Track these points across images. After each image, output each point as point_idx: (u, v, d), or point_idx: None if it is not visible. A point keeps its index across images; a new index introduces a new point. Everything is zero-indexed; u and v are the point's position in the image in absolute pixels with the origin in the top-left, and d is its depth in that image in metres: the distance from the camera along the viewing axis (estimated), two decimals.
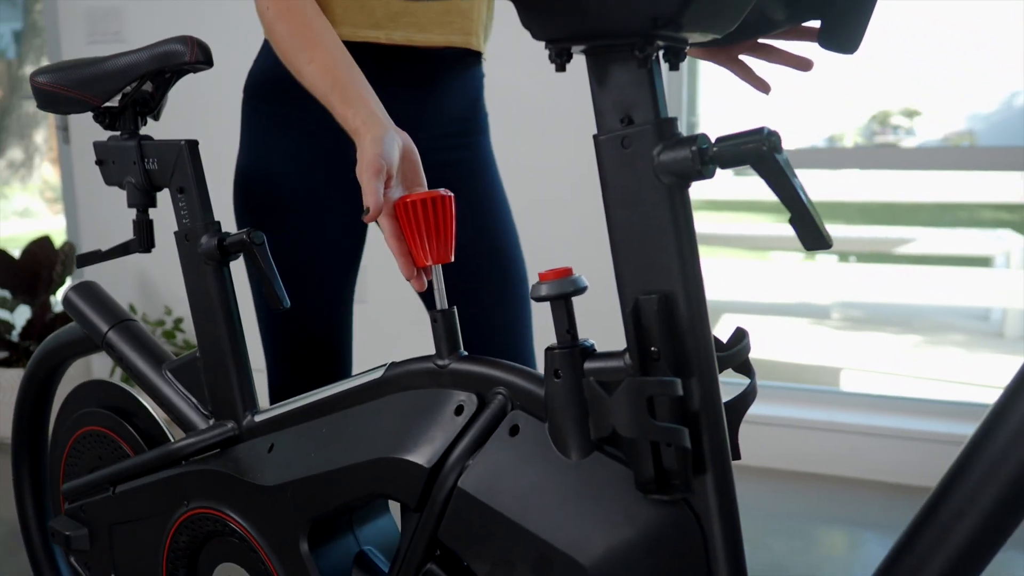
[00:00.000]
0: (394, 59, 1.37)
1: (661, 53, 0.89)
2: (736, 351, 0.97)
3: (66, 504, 1.56)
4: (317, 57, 1.20)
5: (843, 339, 5.64)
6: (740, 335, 1.00)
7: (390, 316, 3.12)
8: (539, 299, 0.96)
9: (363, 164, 1.06)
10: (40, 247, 3.25)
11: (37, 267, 3.22)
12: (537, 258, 2.61)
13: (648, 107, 0.87)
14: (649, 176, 0.87)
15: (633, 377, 0.88)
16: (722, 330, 5.18)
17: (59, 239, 3.58)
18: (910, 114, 9.30)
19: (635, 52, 0.84)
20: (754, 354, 4.11)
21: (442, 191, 1.07)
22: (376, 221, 1.07)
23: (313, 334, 1.48)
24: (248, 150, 1.46)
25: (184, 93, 3.38)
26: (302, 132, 1.41)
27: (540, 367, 2.11)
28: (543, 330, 1.58)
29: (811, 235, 0.81)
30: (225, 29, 3.01)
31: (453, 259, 1.11)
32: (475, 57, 1.47)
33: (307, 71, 1.21)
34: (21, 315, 3.45)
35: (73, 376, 3.53)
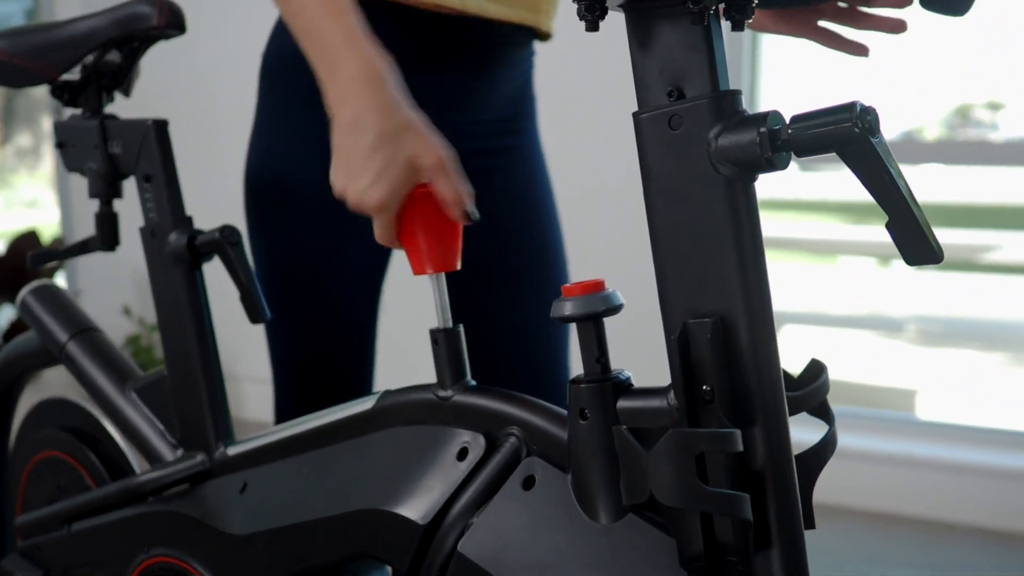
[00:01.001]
0: (455, 30, 1.29)
1: (722, 7, 0.79)
2: (812, 390, 0.86)
3: (20, 540, 1.49)
4: (304, 9, 1.08)
5: (919, 357, 5.53)
6: (817, 369, 0.89)
7: (412, 326, 3.03)
8: (562, 319, 0.86)
9: (443, 149, 1.00)
10: (27, 241, 3.22)
11: (23, 263, 3.18)
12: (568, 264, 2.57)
13: (704, 76, 0.76)
14: (704, 165, 0.77)
15: (678, 427, 0.77)
16: (784, 344, 5.10)
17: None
18: (994, 107, 9.19)
19: (688, 4, 0.74)
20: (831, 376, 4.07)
21: None
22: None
23: (331, 350, 1.42)
24: (263, 136, 1.40)
25: (192, 75, 3.32)
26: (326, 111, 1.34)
27: None
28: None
29: (916, 246, 0.71)
30: (240, 2, 2.93)
31: (463, 265, 1.03)
32: (533, 36, 1.41)
33: (294, 26, 1.10)
34: (4, 316, 3.43)
35: (52, 385, 3.49)
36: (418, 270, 0.98)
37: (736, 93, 0.77)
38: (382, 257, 1.43)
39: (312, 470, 1.08)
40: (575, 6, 0.80)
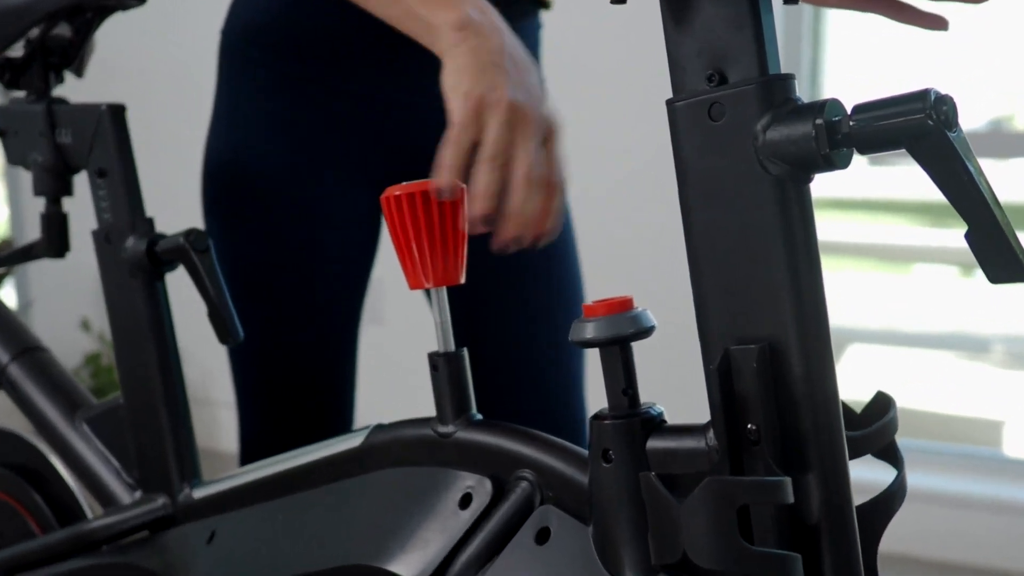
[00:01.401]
0: None
1: None
2: (877, 429, 0.85)
3: None
4: None
5: (1008, 383, 5.51)
6: (883, 404, 0.88)
7: (413, 342, 3.04)
8: (582, 343, 0.85)
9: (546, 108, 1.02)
10: None
11: None
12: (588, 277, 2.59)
13: (750, 58, 0.76)
14: (750, 162, 0.76)
15: (717, 473, 0.77)
16: (848, 366, 5.06)
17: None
18: None
19: None
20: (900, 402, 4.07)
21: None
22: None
23: (303, 375, 1.43)
24: (223, 120, 1.41)
25: (154, 52, 3.33)
26: (301, 94, 1.36)
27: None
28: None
29: (1000, 259, 0.70)
30: None
31: (465, 278, 1.01)
32: (536, 4, 1.42)
33: None
34: None
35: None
36: (415, 284, 0.97)
37: (788, 78, 0.76)
38: (365, 260, 1.44)
39: (290, 517, 1.08)
40: None
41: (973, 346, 6.22)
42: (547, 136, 1.02)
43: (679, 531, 0.77)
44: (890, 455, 0.87)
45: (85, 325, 3.60)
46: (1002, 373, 5.77)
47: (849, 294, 6.60)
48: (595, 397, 1.19)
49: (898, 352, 6.01)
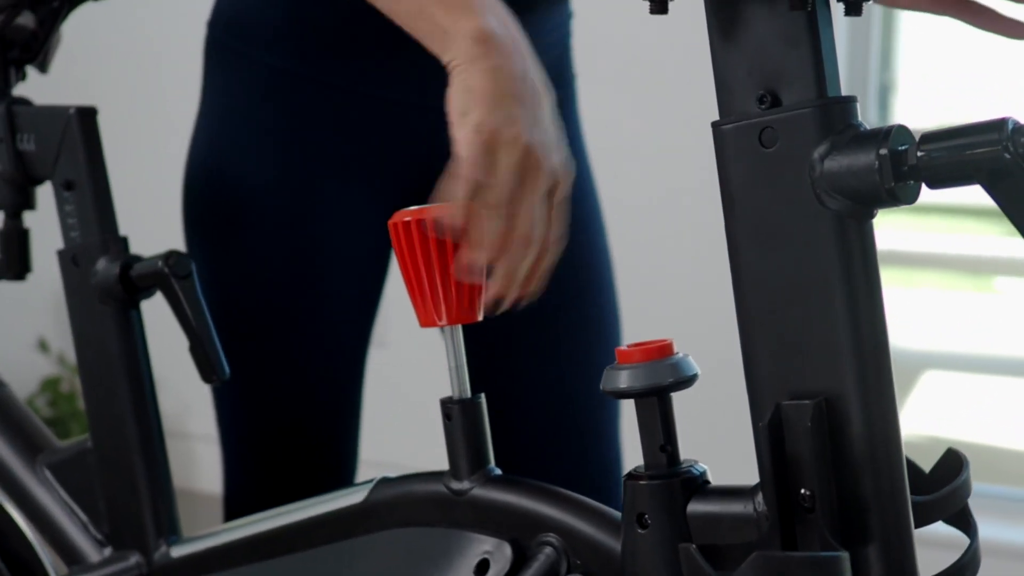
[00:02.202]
0: None
1: None
2: (948, 493, 0.88)
3: None
4: None
5: None
6: (955, 463, 0.91)
7: (421, 368, 3.07)
8: (616, 394, 0.89)
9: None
10: None
11: None
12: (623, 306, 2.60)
13: (807, 78, 0.79)
14: (805, 195, 0.79)
15: (767, 546, 0.79)
16: (921, 397, 5.06)
17: None
18: None
19: None
20: (966, 435, 4.04)
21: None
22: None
23: (299, 419, 1.45)
24: (208, 124, 1.43)
25: (129, 47, 3.35)
26: (299, 94, 1.37)
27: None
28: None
29: None
30: None
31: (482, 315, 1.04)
32: None
33: None
34: None
35: None
36: (426, 321, 1.00)
37: (849, 101, 0.79)
38: (373, 285, 1.45)
39: None
40: None
41: None
42: (553, 187, 1.03)
43: None
44: (962, 522, 0.90)
45: (43, 346, 3.62)
46: None
47: (923, 313, 6.59)
48: (632, 451, 1.21)
49: (978, 380, 5.99)
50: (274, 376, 1.43)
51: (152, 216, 2.01)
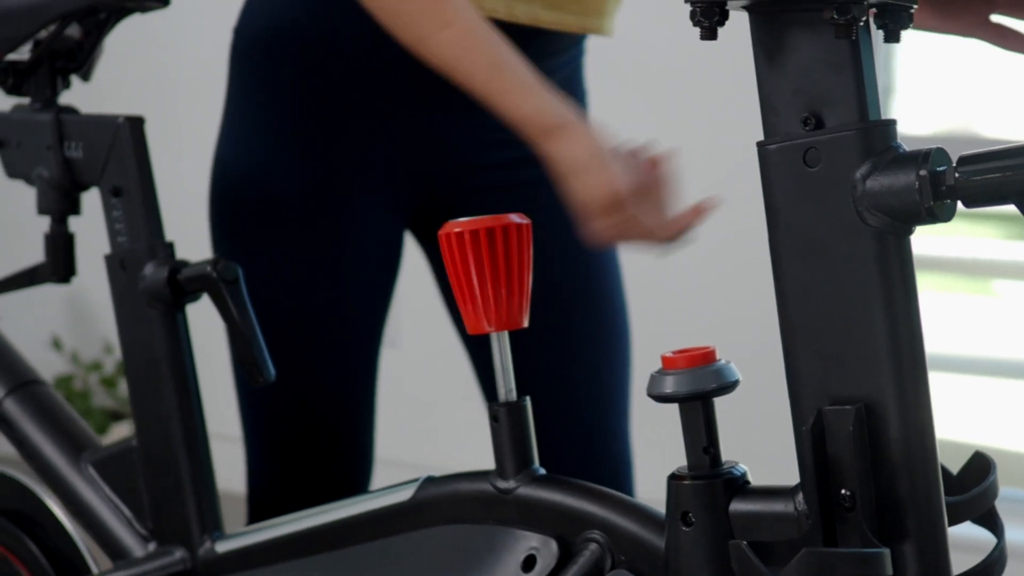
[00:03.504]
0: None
1: (872, 15, 0.85)
2: (977, 495, 0.91)
3: None
4: (457, 19, 1.21)
5: None
6: (982, 466, 0.94)
7: (432, 368, 3.08)
8: (661, 398, 0.91)
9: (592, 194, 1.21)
10: None
11: None
12: (653, 320, 2.57)
13: (850, 102, 0.83)
14: (847, 213, 0.83)
15: (810, 541, 0.82)
16: None
17: None
18: None
19: (831, 13, 0.79)
20: (975, 439, 4.02)
21: (513, 216, 1.03)
22: None
23: (319, 409, 1.47)
24: (235, 131, 1.45)
25: (167, 55, 3.37)
26: (324, 105, 1.40)
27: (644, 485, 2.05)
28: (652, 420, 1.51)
29: None
30: None
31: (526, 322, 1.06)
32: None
33: (440, 40, 1.22)
34: None
35: None
36: (475, 328, 1.02)
37: (890, 124, 0.83)
38: (387, 289, 1.49)
39: None
40: None
41: None
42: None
43: None
44: (989, 522, 0.94)
45: (56, 344, 3.63)
46: None
47: (922, 316, 6.57)
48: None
49: (978, 382, 5.96)
50: (296, 375, 1.43)
51: (190, 223, 2.04)
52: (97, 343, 3.65)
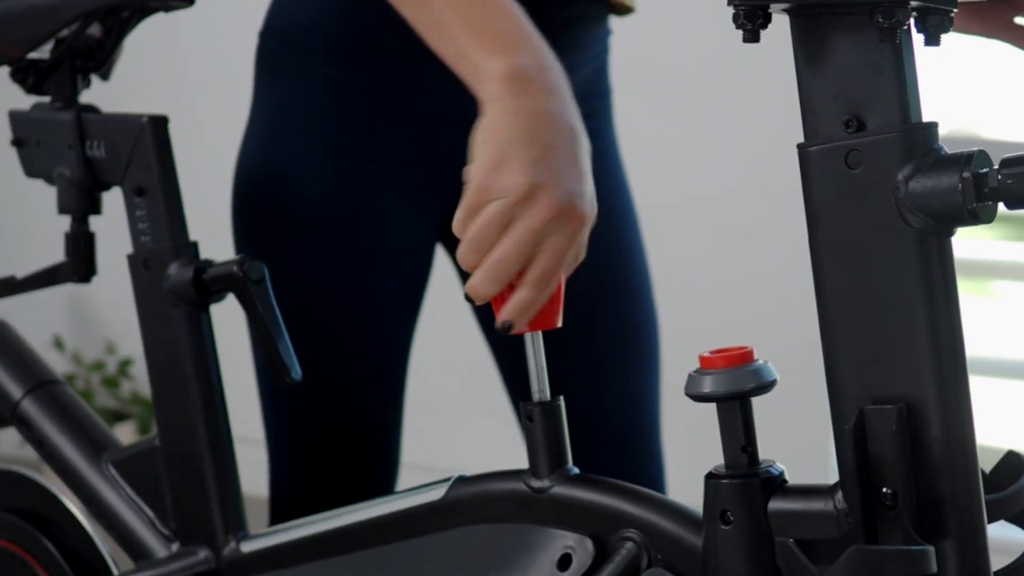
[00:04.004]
0: None
1: (913, 19, 0.85)
2: (1013, 493, 0.93)
3: None
4: None
5: None
6: (1017, 465, 0.95)
7: (449, 368, 3.12)
8: (699, 398, 0.93)
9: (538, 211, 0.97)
10: None
11: None
12: (686, 318, 2.56)
13: (892, 105, 0.84)
14: (889, 214, 0.84)
15: (852, 539, 0.84)
16: None
17: None
18: None
19: (876, 17, 0.81)
20: (979, 440, 4.04)
21: None
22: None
23: (344, 418, 1.47)
24: (261, 132, 1.45)
25: (188, 54, 3.38)
26: (351, 103, 1.40)
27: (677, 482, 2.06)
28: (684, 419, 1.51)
29: None
30: None
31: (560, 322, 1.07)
32: (609, 10, 1.46)
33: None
34: None
35: None
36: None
37: (932, 127, 0.85)
38: (418, 291, 1.48)
39: None
40: None
41: None
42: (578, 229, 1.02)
43: None
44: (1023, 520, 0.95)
45: (58, 344, 3.63)
46: None
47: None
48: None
49: (977, 383, 5.94)
50: (322, 380, 1.44)
51: (212, 222, 2.04)
52: (99, 343, 3.66)
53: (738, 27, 0.87)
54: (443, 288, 1.60)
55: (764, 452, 0.95)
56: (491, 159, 0.99)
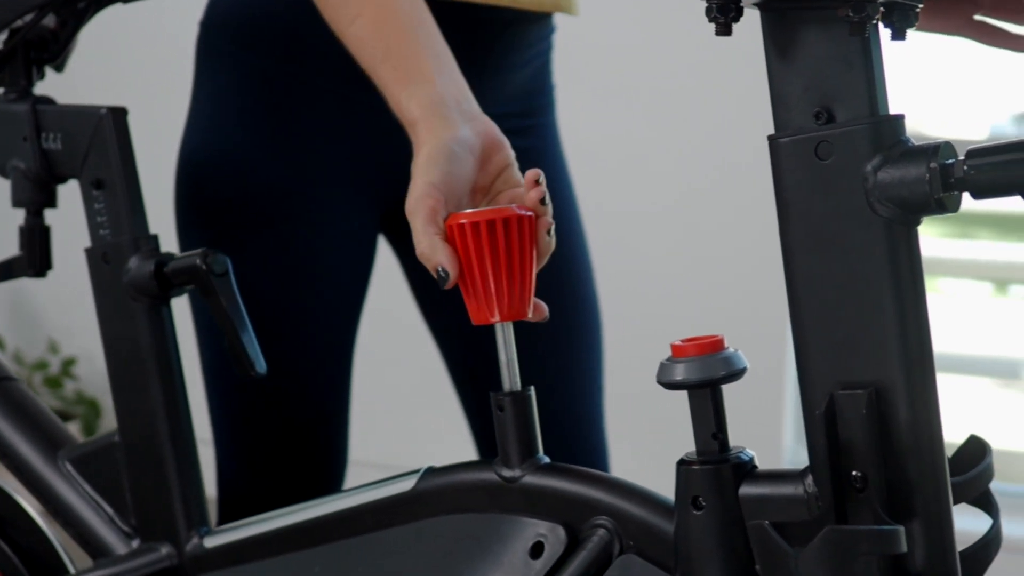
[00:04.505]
0: (447, 20, 1.37)
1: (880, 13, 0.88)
2: (975, 476, 0.96)
3: None
4: (367, 10, 1.20)
5: None
6: (978, 449, 0.99)
7: (403, 364, 3.14)
8: (671, 385, 0.95)
9: (413, 197, 1.07)
10: None
11: None
12: (655, 310, 2.59)
13: (861, 97, 0.87)
14: (858, 204, 0.87)
15: (824, 521, 0.87)
16: None
17: None
18: None
19: (847, 12, 0.84)
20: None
21: (515, 207, 1.06)
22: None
23: (292, 409, 1.48)
24: (202, 123, 1.47)
25: (142, 44, 3.37)
26: (289, 96, 1.42)
27: (622, 462, 2.09)
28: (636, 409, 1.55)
29: None
30: None
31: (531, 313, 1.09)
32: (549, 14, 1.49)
33: (351, 32, 1.21)
34: None
35: None
36: (479, 319, 1.05)
37: (899, 119, 0.88)
38: (361, 283, 1.51)
39: (328, 569, 1.14)
40: None
41: (1008, 372, 6.26)
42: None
43: None
44: (985, 502, 0.99)
45: None
46: None
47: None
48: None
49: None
50: (268, 370, 1.41)
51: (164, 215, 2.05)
52: (41, 342, 3.64)
53: (711, 20, 0.89)
54: (398, 284, 1.62)
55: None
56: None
